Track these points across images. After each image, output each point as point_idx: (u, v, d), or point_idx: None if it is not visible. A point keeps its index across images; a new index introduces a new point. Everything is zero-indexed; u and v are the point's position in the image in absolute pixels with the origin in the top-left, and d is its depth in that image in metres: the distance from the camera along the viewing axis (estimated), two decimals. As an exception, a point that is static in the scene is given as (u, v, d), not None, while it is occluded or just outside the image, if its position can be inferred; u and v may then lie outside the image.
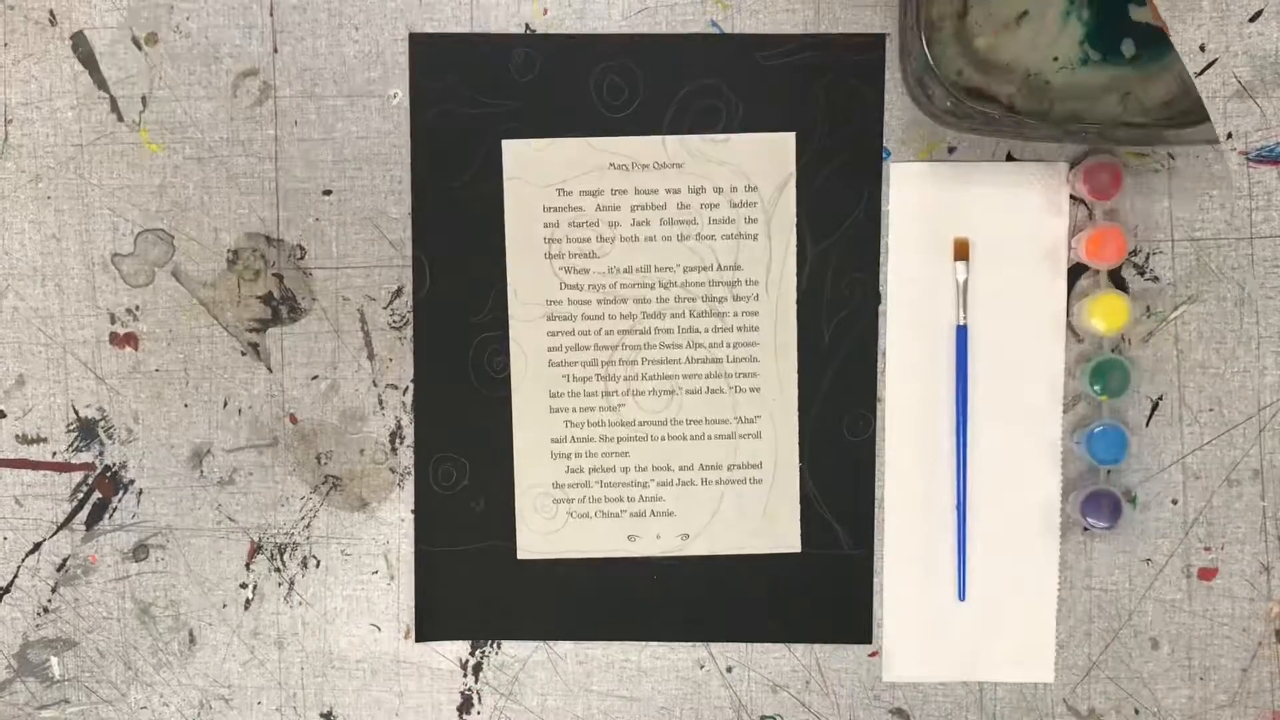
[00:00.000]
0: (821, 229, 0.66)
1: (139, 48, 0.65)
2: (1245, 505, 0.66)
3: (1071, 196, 0.65)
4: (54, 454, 0.67)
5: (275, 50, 0.65)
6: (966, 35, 0.64)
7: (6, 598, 0.67)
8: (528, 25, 0.65)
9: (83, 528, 0.67)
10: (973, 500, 0.66)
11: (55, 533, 0.67)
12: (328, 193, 0.66)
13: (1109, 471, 0.65)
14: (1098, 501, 0.64)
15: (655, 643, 0.67)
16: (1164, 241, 0.65)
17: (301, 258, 0.66)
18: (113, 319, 0.67)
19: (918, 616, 0.66)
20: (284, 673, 0.68)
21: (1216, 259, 0.65)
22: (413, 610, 0.67)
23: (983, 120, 0.59)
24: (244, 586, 0.67)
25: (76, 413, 0.67)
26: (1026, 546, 0.66)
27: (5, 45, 0.65)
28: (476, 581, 0.67)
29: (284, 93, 0.66)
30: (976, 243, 0.65)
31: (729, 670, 0.67)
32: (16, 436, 0.67)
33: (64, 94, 0.66)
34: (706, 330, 0.66)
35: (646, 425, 0.66)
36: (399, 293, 0.66)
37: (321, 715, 0.68)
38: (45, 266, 0.66)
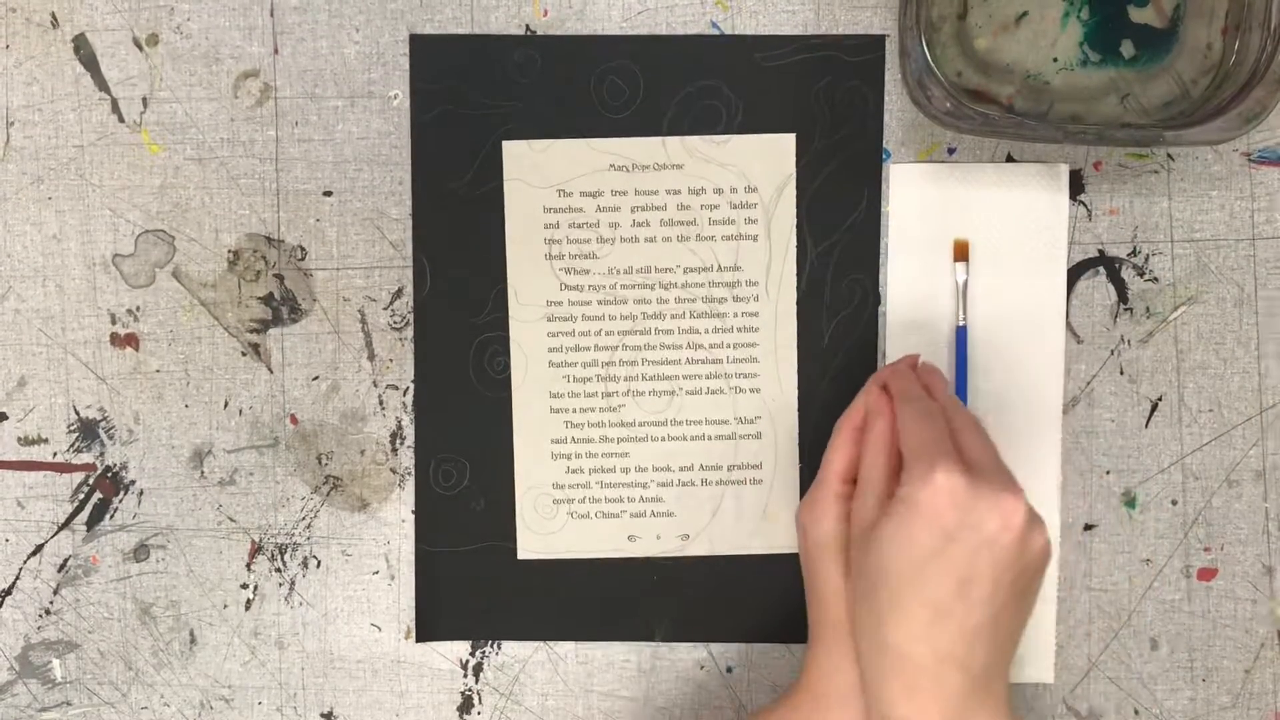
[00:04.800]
0: (821, 229, 0.66)
1: (140, 49, 0.65)
2: (1246, 506, 0.66)
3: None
4: (55, 454, 0.67)
5: (276, 51, 0.66)
6: (966, 36, 0.64)
7: (8, 600, 0.67)
8: (528, 26, 0.65)
9: (83, 528, 0.67)
10: (973, 501, 0.66)
11: (56, 533, 0.67)
12: (328, 194, 0.66)
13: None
14: None
15: (655, 643, 0.67)
16: (1164, 242, 0.65)
17: (302, 258, 0.66)
18: (113, 320, 0.67)
19: (918, 617, 0.66)
20: (284, 673, 0.68)
21: (1216, 260, 0.65)
22: (413, 610, 0.67)
23: (982, 121, 0.59)
24: (245, 587, 0.67)
25: (77, 413, 0.67)
26: (1027, 547, 0.66)
27: (7, 48, 0.66)
28: (476, 581, 0.67)
29: (284, 94, 0.66)
30: (976, 243, 0.65)
31: (729, 670, 0.67)
32: (18, 438, 0.67)
33: (65, 96, 0.66)
34: (706, 331, 0.66)
35: (646, 426, 0.66)
36: (399, 293, 0.66)
37: (322, 715, 0.68)
38: (46, 268, 0.66)
